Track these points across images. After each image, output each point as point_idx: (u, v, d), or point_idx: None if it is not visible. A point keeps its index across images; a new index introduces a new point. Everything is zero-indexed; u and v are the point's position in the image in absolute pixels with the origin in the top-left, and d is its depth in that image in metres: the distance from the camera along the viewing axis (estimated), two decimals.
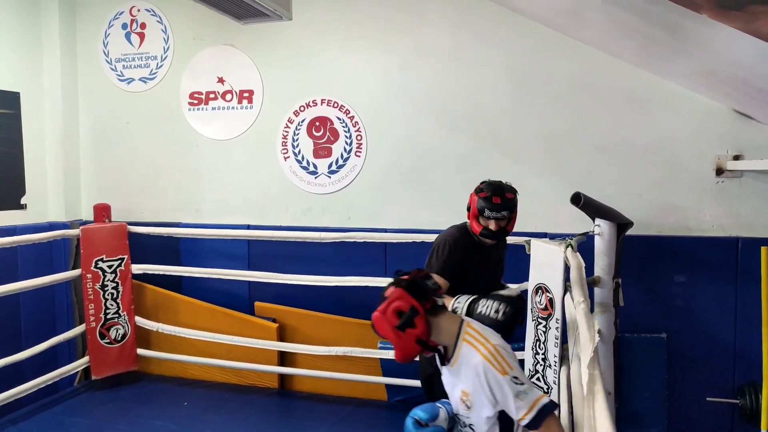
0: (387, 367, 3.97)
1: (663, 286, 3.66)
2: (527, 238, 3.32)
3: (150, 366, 4.58)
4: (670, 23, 2.29)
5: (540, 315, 2.83)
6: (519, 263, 3.25)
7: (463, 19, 3.96)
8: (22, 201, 4.50)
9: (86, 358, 4.35)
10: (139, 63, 4.67)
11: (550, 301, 2.72)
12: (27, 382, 3.89)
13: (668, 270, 3.65)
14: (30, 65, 4.55)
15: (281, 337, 4.26)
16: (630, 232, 3.33)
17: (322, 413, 3.92)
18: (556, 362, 2.62)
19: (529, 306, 2.99)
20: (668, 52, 3.01)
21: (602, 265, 3.20)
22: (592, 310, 2.64)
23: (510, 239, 3.26)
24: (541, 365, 2.82)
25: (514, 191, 2.70)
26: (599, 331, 2.19)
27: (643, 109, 3.68)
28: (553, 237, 3.36)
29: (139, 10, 4.64)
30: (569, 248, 2.65)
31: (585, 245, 3.21)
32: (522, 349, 3.15)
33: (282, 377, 4.34)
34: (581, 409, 1.87)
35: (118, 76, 4.73)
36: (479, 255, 2.74)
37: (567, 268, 2.56)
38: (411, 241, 3.88)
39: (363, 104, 4.23)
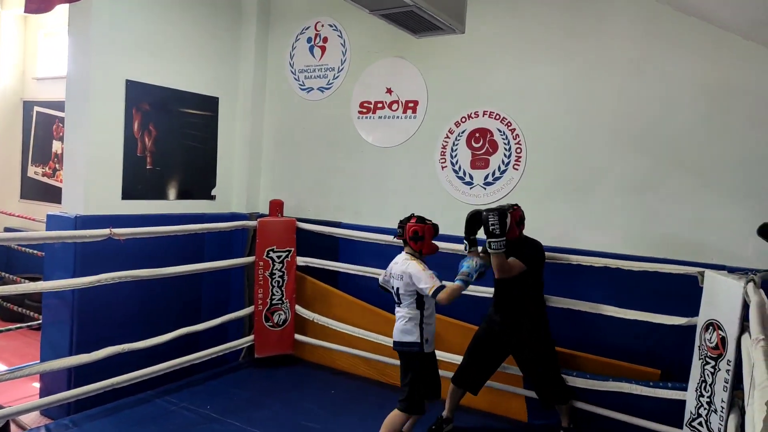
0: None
1: None
2: (701, 269, 3.03)
3: (304, 352, 4.96)
4: None
5: (709, 354, 2.55)
6: (690, 295, 2.97)
7: (651, 28, 3.71)
8: (212, 192, 5.15)
9: (251, 337, 4.84)
10: (319, 74, 5.10)
11: (722, 339, 2.44)
12: (202, 351, 4.43)
13: None
14: (229, 74, 5.20)
15: None
16: None
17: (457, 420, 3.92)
18: (723, 408, 2.34)
19: (697, 343, 2.72)
20: None
21: None
22: None
23: (681, 269, 3.16)
24: (705, 409, 2.53)
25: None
26: None
27: None
28: (732, 271, 3.00)
29: (323, 25, 5.07)
30: (751, 283, 2.36)
31: None
32: (684, 389, 2.86)
33: None
34: None
35: (300, 85, 5.21)
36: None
37: (746, 306, 2.28)
38: (567, 263, 3.72)
39: (527, 117, 4.16)
